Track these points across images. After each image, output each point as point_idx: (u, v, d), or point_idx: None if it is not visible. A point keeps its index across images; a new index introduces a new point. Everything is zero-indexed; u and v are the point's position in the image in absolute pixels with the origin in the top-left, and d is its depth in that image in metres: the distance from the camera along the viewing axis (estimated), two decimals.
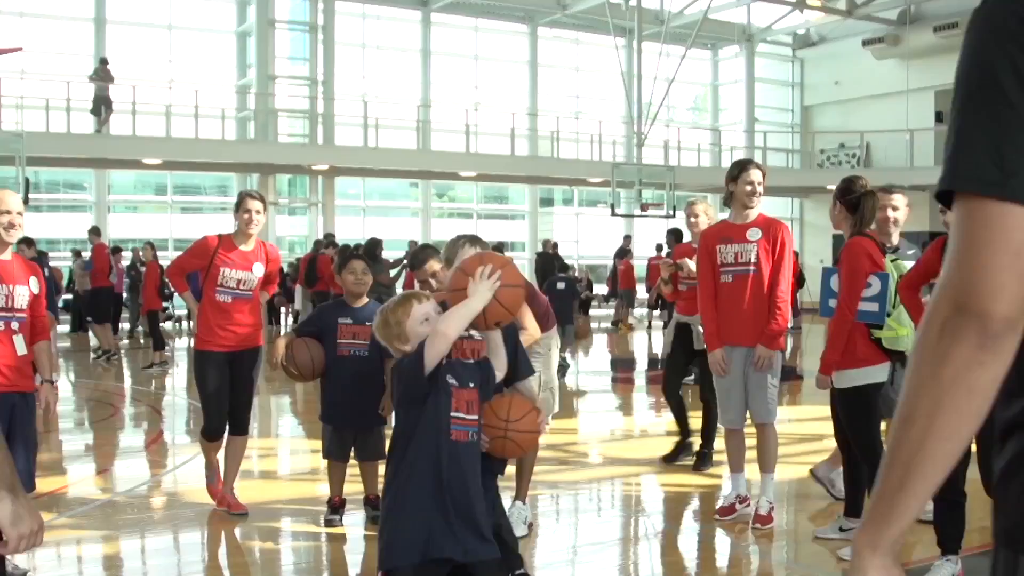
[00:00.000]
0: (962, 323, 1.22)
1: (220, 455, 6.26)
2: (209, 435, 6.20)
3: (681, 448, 7.58)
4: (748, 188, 5.83)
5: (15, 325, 4.64)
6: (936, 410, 1.25)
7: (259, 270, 6.13)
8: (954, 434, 1.25)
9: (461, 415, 3.38)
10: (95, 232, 15.83)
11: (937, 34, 25.16)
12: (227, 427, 6.19)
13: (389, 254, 16.39)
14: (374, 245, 14.92)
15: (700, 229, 7.11)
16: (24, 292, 4.72)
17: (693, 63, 27.93)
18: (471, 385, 3.44)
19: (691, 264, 7.09)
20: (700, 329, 7.32)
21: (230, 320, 6.07)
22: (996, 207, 1.19)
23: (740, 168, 5.96)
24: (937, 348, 1.24)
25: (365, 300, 5.87)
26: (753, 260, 5.74)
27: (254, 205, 6.12)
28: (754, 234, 5.79)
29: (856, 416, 5.14)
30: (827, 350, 5.19)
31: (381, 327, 3.49)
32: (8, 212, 4.70)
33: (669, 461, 7.53)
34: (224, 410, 6.13)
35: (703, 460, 7.42)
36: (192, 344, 6.41)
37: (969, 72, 1.24)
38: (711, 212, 7.42)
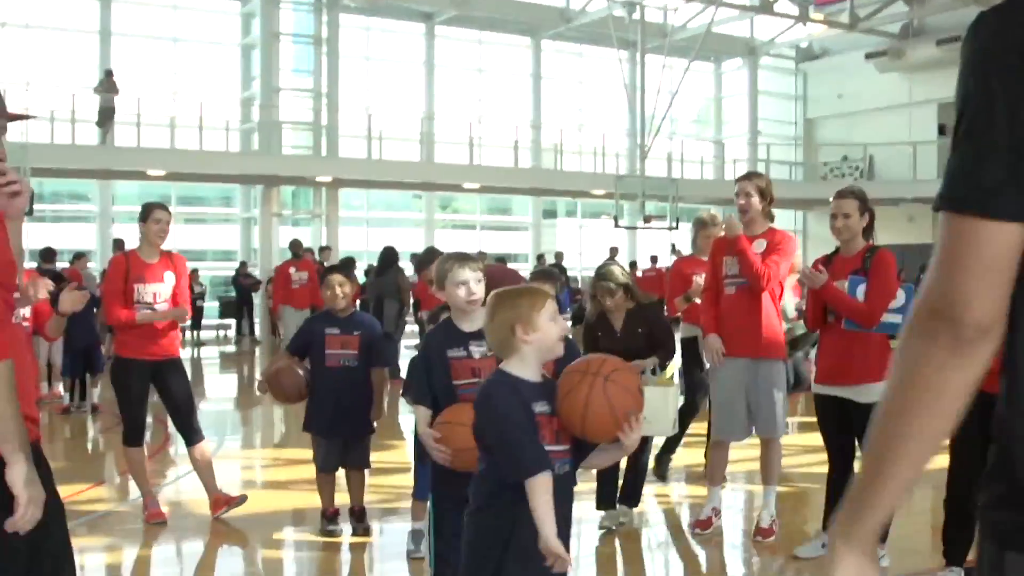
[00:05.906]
0: (935, 327, 1.28)
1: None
2: (130, 440, 6.21)
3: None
4: (736, 200, 5.86)
5: None
6: (905, 409, 1.32)
7: (171, 279, 6.14)
8: (921, 433, 1.31)
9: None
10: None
11: (940, 47, 25.17)
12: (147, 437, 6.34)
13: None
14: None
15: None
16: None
17: (696, 76, 27.97)
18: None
19: (699, 280, 6.97)
20: None
21: (151, 331, 6.11)
22: (968, 222, 1.26)
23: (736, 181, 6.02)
24: (912, 349, 1.31)
25: (352, 309, 5.89)
26: None
27: (164, 216, 6.13)
28: (759, 246, 5.80)
29: None
30: (844, 303, 5.03)
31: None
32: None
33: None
34: (144, 418, 6.23)
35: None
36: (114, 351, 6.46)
37: (963, 97, 1.31)
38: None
